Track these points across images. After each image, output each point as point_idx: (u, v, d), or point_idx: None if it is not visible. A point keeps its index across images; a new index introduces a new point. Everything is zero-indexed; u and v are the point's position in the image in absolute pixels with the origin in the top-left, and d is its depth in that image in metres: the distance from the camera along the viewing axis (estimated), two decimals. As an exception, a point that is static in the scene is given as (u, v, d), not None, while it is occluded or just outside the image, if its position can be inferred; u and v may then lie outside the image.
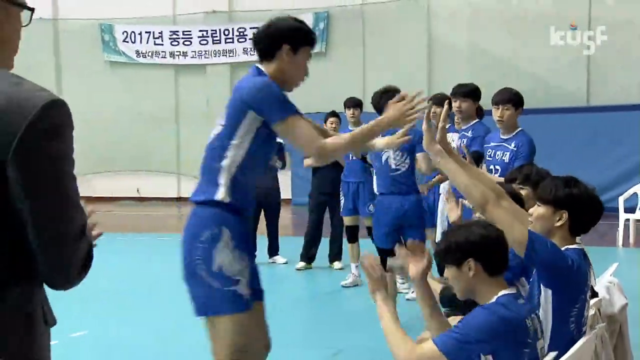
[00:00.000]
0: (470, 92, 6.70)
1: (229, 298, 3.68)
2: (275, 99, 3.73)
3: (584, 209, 3.62)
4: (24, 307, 1.98)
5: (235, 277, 3.67)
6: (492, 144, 6.26)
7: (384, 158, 6.90)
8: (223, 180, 3.72)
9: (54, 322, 2.10)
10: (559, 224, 3.59)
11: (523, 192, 4.92)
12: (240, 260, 3.72)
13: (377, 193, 7.29)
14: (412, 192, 6.95)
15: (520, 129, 6.24)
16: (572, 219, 3.60)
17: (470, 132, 6.61)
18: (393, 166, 6.86)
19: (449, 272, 3.28)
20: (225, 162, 3.73)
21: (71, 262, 1.97)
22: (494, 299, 3.14)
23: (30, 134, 1.84)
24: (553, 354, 3.38)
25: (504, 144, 6.19)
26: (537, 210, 3.66)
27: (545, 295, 3.51)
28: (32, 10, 2.12)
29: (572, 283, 3.50)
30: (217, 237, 3.70)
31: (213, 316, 3.76)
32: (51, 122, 1.90)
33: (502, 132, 6.27)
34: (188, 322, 7.59)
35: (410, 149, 6.64)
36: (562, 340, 3.46)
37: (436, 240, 7.84)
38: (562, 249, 3.55)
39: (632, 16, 16.23)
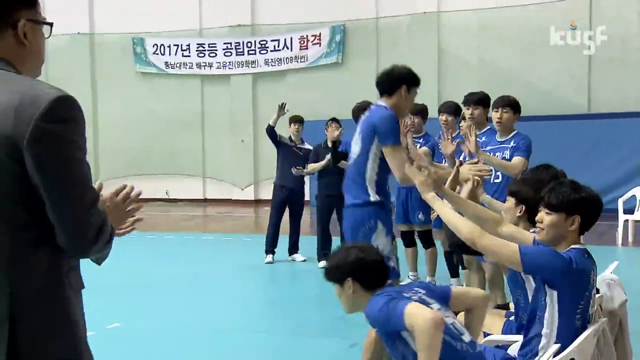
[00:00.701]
0: (480, 100, 6.69)
1: None
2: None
3: (592, 209, 3.57)
4: (57, 273, 2.13)
5: (389, 255, 4.62)
6: (489, 147, 6.26)
7: None
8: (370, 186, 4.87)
9: (82, 286, 2.25)
10: (572, 228, 3.51)
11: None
12: (390, 243, 4.88)
13: None
14: None
15: (516, 131, 6.29)
16: (583, 221, 3.54)
17: (483, 137, 6.58)
18: None
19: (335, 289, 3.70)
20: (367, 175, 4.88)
21: (84, 232, 2.11)
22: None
23: (41, 123, 1.99)
24: (556, 347, 3.37)
25: (502, 145, 6.22)
26: (548, 218, 3.54)
27: (551, 296, 3.48)
28: (51, 25, 2.28)
29: (574, 280, 3.46)
30: (374, 228, 4.80)
31: None
32: (59, 113, 2.04)
33: (499, 135, 6.30)
34: (211, 311, 7.66)
35: None
36: (568, 334, 3.44)
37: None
38: (567, 249, 3.51)
39: (628, 32, 16.16)
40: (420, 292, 3.51)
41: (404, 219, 8.69)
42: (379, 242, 4.67)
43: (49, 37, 2.27)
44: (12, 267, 2.07)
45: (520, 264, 3.42)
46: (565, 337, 3.43)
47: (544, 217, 3.57)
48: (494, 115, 6.28)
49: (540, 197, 3.64)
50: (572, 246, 3.53)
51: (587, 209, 3.53)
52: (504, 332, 4.21)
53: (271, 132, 10.24)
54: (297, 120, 10.46)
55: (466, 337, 3.41)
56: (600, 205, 3.61)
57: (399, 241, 7.72)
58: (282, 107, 10.34)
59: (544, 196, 3.63)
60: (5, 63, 2.15)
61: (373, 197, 4.83)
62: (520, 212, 4.16)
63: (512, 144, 6.18)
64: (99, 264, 2.42)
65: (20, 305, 2.08)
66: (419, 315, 3.21)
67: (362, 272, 3.59)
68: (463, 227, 3.59)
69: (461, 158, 6.60)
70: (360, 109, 7.44)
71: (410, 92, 5.07)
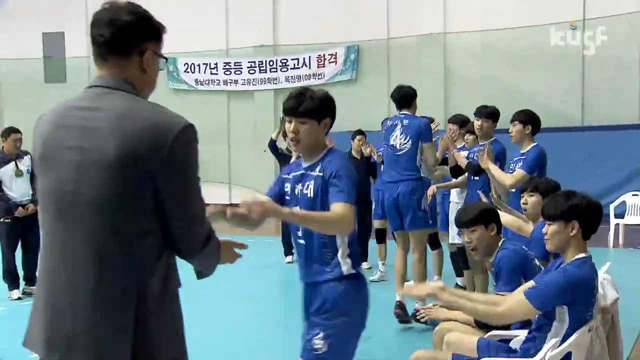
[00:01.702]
0: (491, 114, 6.72)
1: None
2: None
3: (590, 214, 3.56)
4: (167, 273, 2.26)
5: None
6: (515, 159, 6.25)
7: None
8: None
9: (180, 285, 2.35)
10: (573, 233, 3.52)
11: (533, 199, 4.97)
12: None
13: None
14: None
15: (535, 144, 6.17)
16: (583, 225, 3.53)
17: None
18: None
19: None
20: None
21: (196, 239, 2.27)
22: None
23: (173, 146, 2.16)
24: (553, 341, 3.35)
25: (522, 157, 6.15)
26: (550, 228, 3.56)
27: (560, 310, 3.46)
28: (166, 59, 2.44)
29: (579, 293, 3.43)
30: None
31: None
32: (187, 138, 2.22)
33: (521, 148, 6.23)
34: (229, 304, 7.62)
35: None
36: (570, 331, 3.43)
37: (450, 242, 7.78)
38: (573, 259, 3.49)
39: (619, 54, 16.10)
40: None
41: (382, 215, 8.59)
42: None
43: (162, 69, 2.39)
44: (139, 269, 2.18)
45: (535, 309, 3.41)
46: (567, 334, 3.42)
47: (548, 228, 3.58)
48: (511, 128, 6.22)
49: (593, 203, 3.62)
50: (577, 256, 3.50)
51: (583, 213, 3.53)
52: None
53: (273, 145, 10.14)
54: None
55: None
56: (597, 208, 3.61)
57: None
58: (283, 121, 10.28)
59: (543, 210, 3.64)
60: (132, 86, 2.26)
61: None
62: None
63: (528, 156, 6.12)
64: (200, 277, 2.49)
65: (145, 305, 2.17)
66: None
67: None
68: (481, 310, 3.52)
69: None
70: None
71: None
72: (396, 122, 6.85)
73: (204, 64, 20.61)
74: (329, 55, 19.22)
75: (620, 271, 7.65)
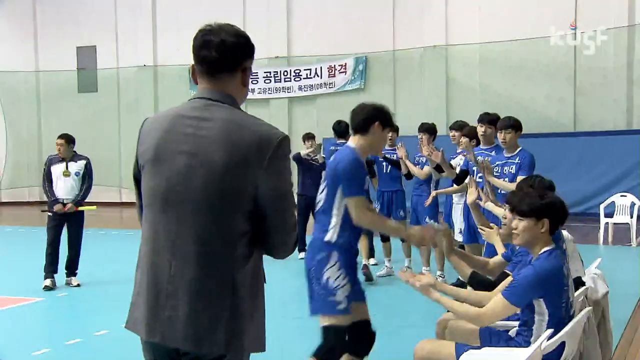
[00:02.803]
0: (493, 121, 6.60)
1: None
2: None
3: (559, 212, 3.56)
4: (256, 268, 2.34)
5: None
6: (498, 162, 6.18)
7: None
8: None
9: (265, 281, 2.42)
10: (542, 230, 3.51)
11: None
12: None
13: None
14: None
15: (521, 148, 6.18)
16: (552, 223, 3.53)
17: (492, 152, 6.50)
18: None
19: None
20: None
21: (289, 242, 2.36)
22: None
23: (274, 155, 2.24)
24: (549, 332, 3.33)
25: (509, 160, 6.13)
26: (521, 224, 3.54)
27: (537, 301, 3.47)
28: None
29: (551, 284, 3.43)
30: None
31: None
32: (284, 148, 2.28)
33: (506, 152, 6.20)
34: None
35: None
36: (556, 321, 3.43)
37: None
38: (540, 252, 3.49)
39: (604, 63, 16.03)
40: None
41: (386, 215, 8.59)
42: None
43: (246, 86, 2.45)
44: (235, 264, 2.26)
45: (515, 307, 3.43)
46: (554, 324, 3.41)
47: (518, 223, 3.55)
48: (499, 136, 6.18)
49: (558, 201, 3.59)
50: (544, 249, 3.50)
51: (553, 212, 3.53)
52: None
53: (298, 157, 10.14)
54: (310, 137, 10.40)
55: None
56: (563, 208, 3.60)
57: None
58: (313, 140, 10.42)
59: (515, 205, 3.61)
60: (232, 99, 2.36)
61: None
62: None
63: (517, 160, 6.08)
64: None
65: (238, 297, 2.26)
66: None
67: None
68: (465, 313, 3.55)
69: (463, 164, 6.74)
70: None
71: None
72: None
73: (223, 74, 20.65)
74: (339, 65, 19.23)
75: (610, 267, 7.61)
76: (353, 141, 4.09)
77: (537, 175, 4.63)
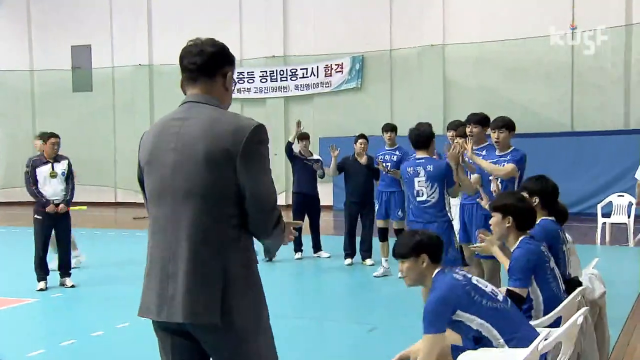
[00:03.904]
0: (480, 120, 6.54)
1: None
2: None
3: (522, 213, 4.05)
4: (247, 249, 2.59)
5: None
6: (490, 161, 6.15)
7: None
8: None
9: (257, 262, 2.65)
10: (507, 225, 4.04)
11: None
12: None
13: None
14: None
15: (513, 147, 6.15)
16: (516, 221, 4.03)
17: (483, 152, 6.47)
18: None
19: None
20: None
21: (270, 220, 2.58)
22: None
23: (248, 142, 2.49)
24: (546, 331, 3.34)
25: (501, 158, 6.09)
26: (492, 219, 4.13)
27: (532, 287, 3.95)
28: (235, 81, 2.83)
29: (540, 261, 3.94)
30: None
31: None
32: (259, 135, 2.53)
33: (498, 151, 6.17)
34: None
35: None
36: (547, 294, 3.90)
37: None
38: (518, 241, 4.01)
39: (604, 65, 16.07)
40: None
41: (385, 215, 8.99)
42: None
43: (232, 89, 2.75)
44: (225, 244, 2.52)
45: (524, 288, 3.88)
46: (546, 298, 3.89)
47: (492, 217, 4.16)
48: (492, 136, 6.17)
49: (524, 205, 4.12)
50: (520, 239, 4.01)
51: (515, 211, 4.04)
52: None
53: (290, 148, 10.18)
54: (304, 137, 10.42)
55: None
56: (530, 209, 4.14)
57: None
58: (299, 124, 10.31)
59: (493, 206, 4.23)
60: (217, 101, 2.65)
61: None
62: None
63: (508, 157, 6.05)
64: (267, 255, 2.76)
65: (231, 279, 2.50)
66: None
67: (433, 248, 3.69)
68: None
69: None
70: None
71: None
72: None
73: (219, 73, 20.64)
74: (335, 65, 19.24)
75: (607, 266, 7.64)
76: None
77: (541, 175, 4.65)
